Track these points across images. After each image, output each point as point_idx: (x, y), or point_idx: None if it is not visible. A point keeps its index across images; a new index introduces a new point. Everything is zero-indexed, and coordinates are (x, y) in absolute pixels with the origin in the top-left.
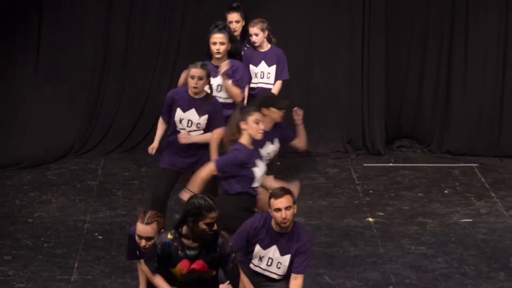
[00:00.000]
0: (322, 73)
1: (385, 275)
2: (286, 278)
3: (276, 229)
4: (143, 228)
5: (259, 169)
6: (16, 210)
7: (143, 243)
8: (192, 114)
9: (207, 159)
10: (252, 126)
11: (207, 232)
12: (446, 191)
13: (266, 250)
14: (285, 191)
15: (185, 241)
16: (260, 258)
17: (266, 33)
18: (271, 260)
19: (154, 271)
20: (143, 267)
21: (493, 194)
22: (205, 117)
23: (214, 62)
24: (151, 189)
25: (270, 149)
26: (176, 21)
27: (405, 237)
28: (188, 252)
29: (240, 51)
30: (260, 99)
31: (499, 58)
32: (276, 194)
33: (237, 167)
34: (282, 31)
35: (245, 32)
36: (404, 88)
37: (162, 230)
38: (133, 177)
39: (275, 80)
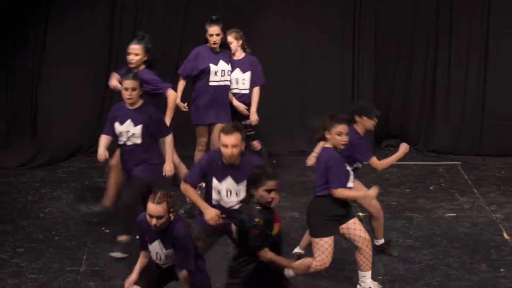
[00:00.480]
0: (315, 77)
1: (375, 266)
2: None
3: (226, 163)
4: (154, 208)
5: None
6: (28, 206)
7: (154, 221)
8: (128, 125)
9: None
10: (335, 138)
11: (265, 198)
12: (431, 188)
13: (222, 183)
14: (235, 129)
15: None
16: (219, 192)
17: (240, 42)
18: (229, 191)
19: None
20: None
21: (476, 191)
22: (140, 126)
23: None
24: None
25: None
26: (179, 20)
27: (393, 231)
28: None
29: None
30: (354, 106)
31: (480, 63)
32: (226, 130)
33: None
34: (276, 36)
35: (224, 45)
36: (392, 91)
37: (171, 210)
38: None
39: (252, 86)
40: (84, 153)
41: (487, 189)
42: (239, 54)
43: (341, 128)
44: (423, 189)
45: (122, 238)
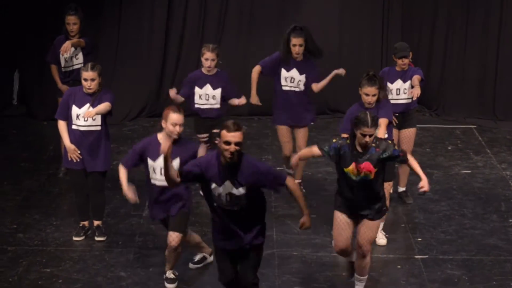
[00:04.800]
0: (349, 48)
1: (398, 215)
2: (251, 208)
3: (224, 163)
4: (177, 117)
5: None
6: None
7: (178, 128)
8: (85, 108)
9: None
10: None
11: (361, 140)
12: (449, 148)
13: (221, 187)
14: (238, 127)
15: (357, 147)
16: (219, 196)
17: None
18: (228, 195)
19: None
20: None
21: (488, 151)
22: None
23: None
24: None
25: None
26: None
27: (415, 185)
28: (357, 156)
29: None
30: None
31: (494, 36)
32: (229, 127)
33: None
34: (317, 21)
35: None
36: (415, 63)
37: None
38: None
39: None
40: (146, 115)
41: (499, 149)
42: (213, 70)
43: (368, 90)
44: (441, 148)
45: None
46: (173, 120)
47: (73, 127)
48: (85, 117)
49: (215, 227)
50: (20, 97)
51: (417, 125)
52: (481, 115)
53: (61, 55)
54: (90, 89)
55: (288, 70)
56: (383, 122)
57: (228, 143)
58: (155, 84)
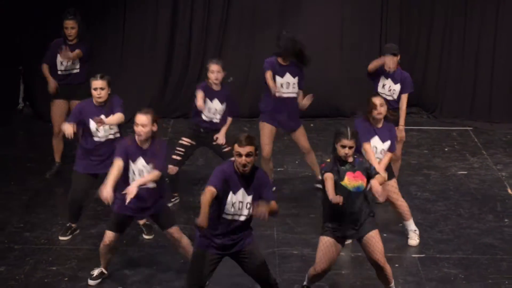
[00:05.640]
0: (351, 51)
1: (396, 215)
2: (249, 221)
3: (239, 172)
4: (138, 117)
5: None
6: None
7: (138, 129)
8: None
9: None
10: (339, 149)
11: (340, 153)
12: (446, 149)
13: (236, 194)
14: (250, 140)
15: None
16: (233, 204)
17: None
18: (241, 203)
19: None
20: None
21: (484, 152)
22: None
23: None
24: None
25: None
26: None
27: (412, 185)
28: (345, 167)
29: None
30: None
31: (490, 38)
32: (241, 141)
33: None
34: (318, 24)
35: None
36: (413, 67)
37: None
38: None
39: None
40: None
41: (494, 151)
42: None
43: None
44: (439, 150)
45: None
46: (136, 120)
47: (95, 139)
48: (97, 126)
49: (212, 234)
50: (26, 99)
51: (415, 127)
52: (477, 118)
53: (58, 59)
54: (100, 97)
55: (282, 76)
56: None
57: (239, 155)
58: (158, 86)
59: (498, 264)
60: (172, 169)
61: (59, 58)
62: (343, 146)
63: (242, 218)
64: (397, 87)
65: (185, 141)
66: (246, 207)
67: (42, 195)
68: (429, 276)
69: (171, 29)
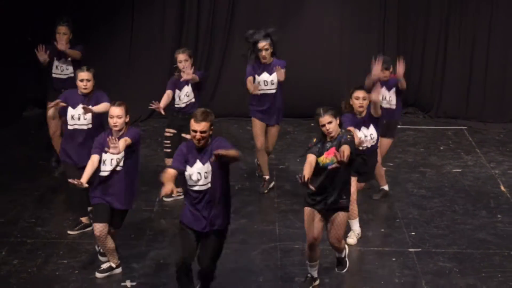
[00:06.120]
0: (349, 58)
1: (393, 211)
2: (215, 188)
3: (196, 147)
4: (112, 109)
5: None
6: None
7: (113, 121)
8: (80, 109)
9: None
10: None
11: (323, 131)
12: (441, 148)
13: (193, 167)
14: (205, 116)
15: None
16: (190, 177)
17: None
18: (198, 174)
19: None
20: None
21: (478, 151)
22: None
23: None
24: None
25: None
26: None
27: (409, 182)
28: (328, 144)
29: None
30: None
31: (483, 41)
32: (196, 116)
33: None
34: (318, 28)
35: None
36: (409, 69)
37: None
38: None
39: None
40: (157, 116)
41: (488, 149)
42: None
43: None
44: (434, 148)
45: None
46: (110, 113)
47: (69, 127)
48: (84, 112)
49: (186, 208)
50: (37, 98)
51: (411, 126)
52: (472, 118)
53: (54, 63)
54: (85, 88)
55: (259, 75)
56: None
57: (194, 131)
58: (165, 85)
59: (491, 258)
60: (169, 161)
61: (55, 63)
62: (322, 125)
63: (206, 187)
64: (392, 93)
65: (168, 132)
66: (204, 176)
67: (53, 191)
68: (425, 269)
69: (178, 29)
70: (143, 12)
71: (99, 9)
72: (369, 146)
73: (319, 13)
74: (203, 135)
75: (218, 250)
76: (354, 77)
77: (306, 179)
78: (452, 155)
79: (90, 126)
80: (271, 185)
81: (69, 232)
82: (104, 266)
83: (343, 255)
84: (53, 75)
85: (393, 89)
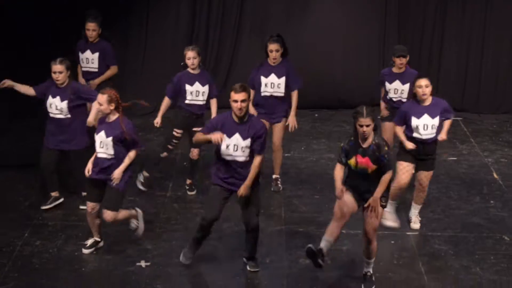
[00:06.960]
0: (352, 52)
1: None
2: (250, 162)
3: (235, 120)
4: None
5: None
6: None
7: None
8: (56, 100)
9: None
10: (358, 128)
11: (359, 131)
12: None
13: (231, 138)
14: (243, 88)
15: (359, 141)
16: (227, 146)
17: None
18: (236, 146)
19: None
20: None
21: (472, 140)
22: (66, 102)
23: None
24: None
25: None
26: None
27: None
28: (359, 150)
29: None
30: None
31: (479, 36)
32: (236, 89)
33: None
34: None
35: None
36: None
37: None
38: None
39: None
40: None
41: (482, 139)
42: (198, 69)
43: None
44: None
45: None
46: (98, 100)
47: (50, 115)
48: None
49: (219, 170)
50: None
51: None
52: (467, 109)
53: (80, 58)
54: (58, 80)
55: (267, 76)
56: None
57: (235, 101)
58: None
59: (484, 241)
60: (194, 152)
61: (81, 56)
62: (361, 125)
63: (241, 159)
64: (406, 87)
65: (176, 132)
66: (242, 150)
67: (73, 177)
68: (422, 252)
69: (190, 27)
70: (158, 10)
71: (116, 7)
72: (431, 136)
73: (323, 8)
74: (243, 104)
75: (258, 203)
76: (357, 72)
77: (342, 192)
78: (448, 145)
79: (61, 116)
80: (279, 183)
81: (42, 207)
82: (89, 242)
83: (370, 268)
84: (83, 69)
85: (407, 85)
